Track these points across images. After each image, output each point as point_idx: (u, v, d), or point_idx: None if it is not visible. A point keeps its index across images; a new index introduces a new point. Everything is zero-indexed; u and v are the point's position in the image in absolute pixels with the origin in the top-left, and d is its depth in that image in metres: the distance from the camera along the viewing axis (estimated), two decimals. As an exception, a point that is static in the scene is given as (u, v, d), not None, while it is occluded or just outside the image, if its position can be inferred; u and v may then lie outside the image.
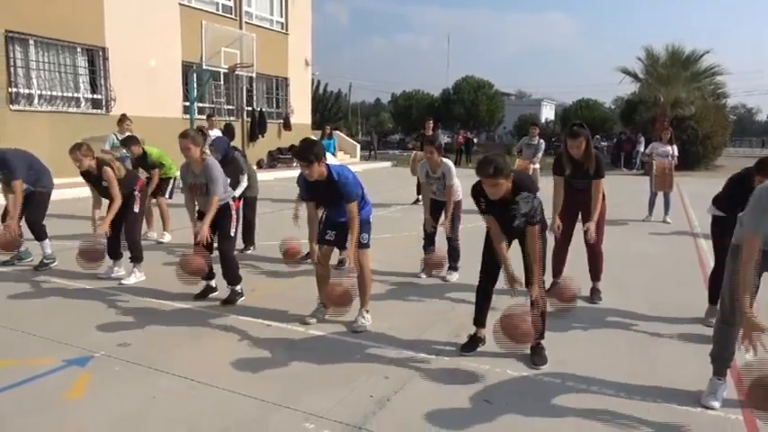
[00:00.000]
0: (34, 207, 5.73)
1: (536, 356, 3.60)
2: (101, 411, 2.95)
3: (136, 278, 5.33)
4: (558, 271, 4.93)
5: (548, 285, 4.55)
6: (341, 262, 5.53)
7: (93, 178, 5.26)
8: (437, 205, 5.47)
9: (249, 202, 6.63)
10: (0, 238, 5.24)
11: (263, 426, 2.83)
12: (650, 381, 3.40)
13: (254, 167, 6.55)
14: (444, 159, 5.32)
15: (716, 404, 3.06)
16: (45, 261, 5.76)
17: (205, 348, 3.81)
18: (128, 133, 8.87)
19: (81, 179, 5.41)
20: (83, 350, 3.71)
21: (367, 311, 4.22)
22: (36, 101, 13.08)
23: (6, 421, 2.83)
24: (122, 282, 5.31)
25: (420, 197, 10.49)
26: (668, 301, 4.98)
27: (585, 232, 4.65)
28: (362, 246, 4.10)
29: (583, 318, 4.51)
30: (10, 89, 12.39)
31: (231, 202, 4.77)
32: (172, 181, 7.38)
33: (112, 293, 4.99)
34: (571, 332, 4.19)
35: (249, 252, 6.64)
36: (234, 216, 4.73)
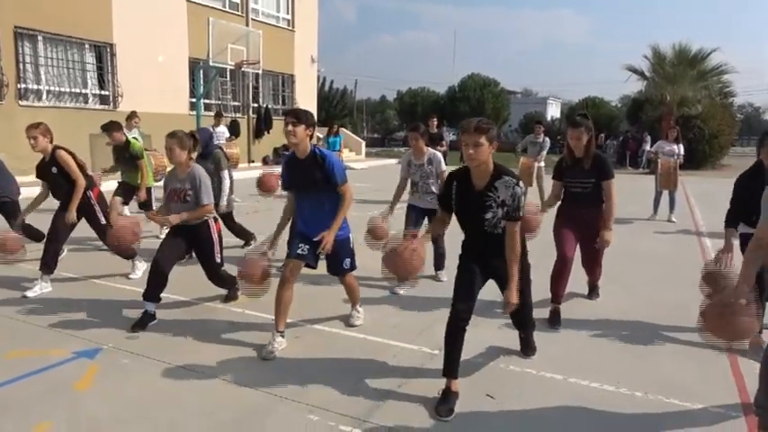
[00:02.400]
0: (9, 218, 5.71)
1: (527, 347, 3.68)
2: (109, 401, 3.01)
3: (141, 270, 5.37)
4: (557, 296, 4.37)
5: (544, 314, 4.29)
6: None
7: (45, 164, 4.90)
8: (417, 212, 5.20)
9: (224, 217, 6.02)
10: None
11: (269, 416, 2.88)
12: (651, 378, 3.43)
13: (230, 174, 6.09)
14: (431, 149, 5.21)
15: None
16: None
17: (212, 342, 3.86)
18: (136, 129, 8.93)
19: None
20: (91, 342, 3.78)
21: (360, 307, 4.29)
22: (44, 96, 13.20)
23: (21, 409, 2.90)
24: (130, 276, 5.38)
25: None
26: (670, 300, 5.00)
27: (585, 245, 4.42)
28: (346, 271, 3.99)
29: (585, 315, 4.55)
30: (19, 85, 12.52)
31: (212, 224, 4.35)
32: (152, 190, 7.09)
33: (120, 287, 5.07)
34: (573, 330, 4.23)
35: (252, 246, 6.66)
36: (216, 240, 4.36)
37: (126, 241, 4.62)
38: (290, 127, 3.59)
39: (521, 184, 3.01)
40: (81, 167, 5.00)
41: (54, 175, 4.92)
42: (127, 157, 6.64)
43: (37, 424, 2.77)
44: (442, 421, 2.87)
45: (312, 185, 3.74)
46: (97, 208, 5.08)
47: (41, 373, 3.31)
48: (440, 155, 5.21)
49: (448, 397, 2.99)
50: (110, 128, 6.54)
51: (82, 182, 4.89)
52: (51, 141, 4.90)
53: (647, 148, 22.00)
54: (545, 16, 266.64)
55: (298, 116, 3.63)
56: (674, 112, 21.36)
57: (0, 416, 2.83)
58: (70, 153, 4.93)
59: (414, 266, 3.28)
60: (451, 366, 3.05)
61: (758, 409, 2.72)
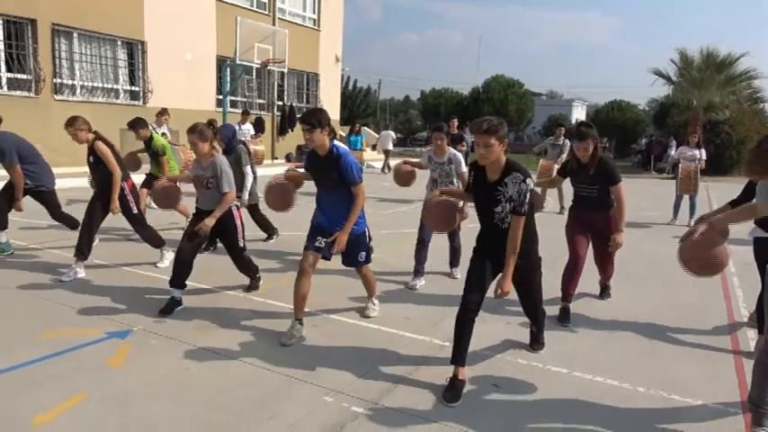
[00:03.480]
0: (48, 206, 6.03)
1: (536, 342, 3.82)
2: (139, 377, 3.24)
3: (168, 260, 5.63)
4: (568, 294, 4.48)
5: (556, 312, 4.41)
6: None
7: (88, 153, 5.19)
8: None
9: (249, 208, 6.58)
10: None
11: (288, 397, 3.08)
12: (655, 376, 3.53)
13: (253, 170, 6.47)
14: (452, 149, 5.36)
15: None
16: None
17: (235, 328, 4.08)
18: (165, 125, 9.26)
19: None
20: (122, 324, 4.03)
21: (376, 299, 4.47)
22: (78, 91, 13.67)
23: (59, 380, 3.15)
24: (157, 265, 5.64)
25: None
26: (683, 303, 5.07)
27: (597, 245, 4.55)
28: (361, 264, 4.18)
29: (595, 314, 4.65)
30: (54, 80, 12.99)
31: (234, 211, 4.58)
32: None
33: (149, 275, 5.33)
34: (582, 328, 4.34)
35: (273, 240, 6.91)
36: (239, 225, 4.62)
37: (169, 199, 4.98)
38: (307, 135, 3.80)
39: (527, 180, 3.14)
40: (118, 158, 5.27)
41: (91, 164, 5.20)
42: (151, 152, 6.94)
43: (73, 394, 3.00)
44: (448, 407, 3.03)
45: (328, 181, 3.93)
46: (130, 198, 5.35)
47: (77, 351, 3.56)
48: (460, 155, 5.33)
49: (455, 384, 3.15)
50: (135, 125, 6.87)
51: (118, 172, 5.15)
52: (90, 131, 5.16)
53: (673, 152, 21.80)
54: (568, 18, 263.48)
55: (311, 123, 3.76)
56: (700, 116, 21.08)
57: (41, 385, 3.08)
58: (109, 144, 5.19)
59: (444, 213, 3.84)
60: (459, 355, 3.21)
61: (752, 405, 2.82)
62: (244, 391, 3.13)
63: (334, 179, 3.87)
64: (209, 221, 4.34)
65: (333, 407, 2.99)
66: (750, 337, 4.23)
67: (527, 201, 3.15)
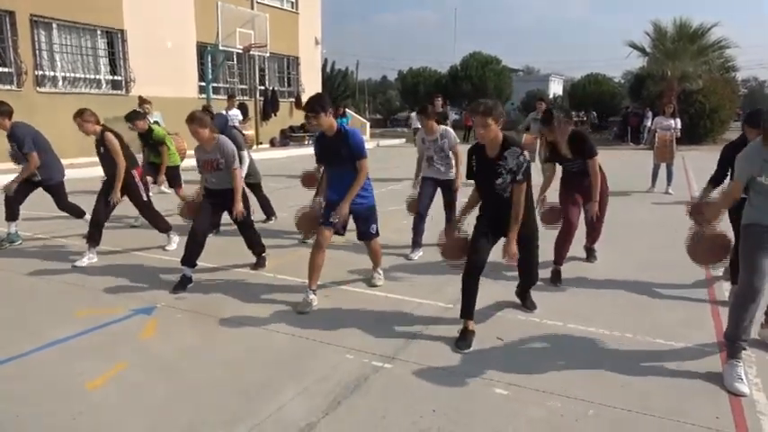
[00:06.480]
0: (57, 197, 6.18)
1: (528, 302, 4.17)
2: (172, 346, 3.51)
3: (175, 243, 5.87)
4: (560, 257, 4.83)
5: (548, 274, 4.75)
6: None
7: (96, 144, 5.36)
8: (431, 184, 5.65)
9: (253, 188, 6.91)
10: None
11: (313, 357, 3.37)
12: (641, 324, 3.90)
13: (250, 151, 6.78)
14: (442, 125, 5.63)
15: (745, 388, 2.98)
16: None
17: (251, 300, 4.35)
18: (158, 114, 9.36)
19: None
20: (146, 302, 4.28)
21: (381, 270, 4.78)
22: (60, 83, 13.59)
23: (99, 352, 3.41)
24: (166, 248, 5.87)
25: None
26: (665, 262, 5.45)
27: (587, 211, 4.90)
28: (372, 236, 4.48)
29: (584, 275, 5.02)
30: (36, 72, 12.90)
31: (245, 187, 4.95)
32: (179, 169, 7.53)
33: (159, 257, 5.57)
34: (573, 287, 4.70)
35: (272, 222, 7.17)
36: (248, 200, 4.91)
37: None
38: (313, 121, 4.08)
39: (525, 153, 3.55)
40: (125, 149, 5.45)
41: (101, 154, 5.39)
42: (151, 143, 7.10)
43: (116, 363, 3.26)
44: (461, 353, 3.38)
45: (338, 159, 4.20)
46: (140, 185, 5.58)
47: (109, 326, 3.81)
48: (452, 130, 5.64)
49: (466, 334, 3.53)
50: (132, 118, 6.97)
51: (123, 164, 5.33)
52: (97, 123, 5.33)
53: (649, 123, 22.31)
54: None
55: (315, 109, 4.04)
56: (675, 87, 21.58)
57: (84, 357, 3.34)
58: (117, 136, 5.37)
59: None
60: (468, 310, 3.58)
61: (727, 341, 3.20)
62: (272, 353, 3.42)
63: (344, 155, 4.15)
64: (239, 207, 4.70)
65: (355, 362, 3.29)
66: (725, 289, 4.64)
67: (524, 170, 3.52)
